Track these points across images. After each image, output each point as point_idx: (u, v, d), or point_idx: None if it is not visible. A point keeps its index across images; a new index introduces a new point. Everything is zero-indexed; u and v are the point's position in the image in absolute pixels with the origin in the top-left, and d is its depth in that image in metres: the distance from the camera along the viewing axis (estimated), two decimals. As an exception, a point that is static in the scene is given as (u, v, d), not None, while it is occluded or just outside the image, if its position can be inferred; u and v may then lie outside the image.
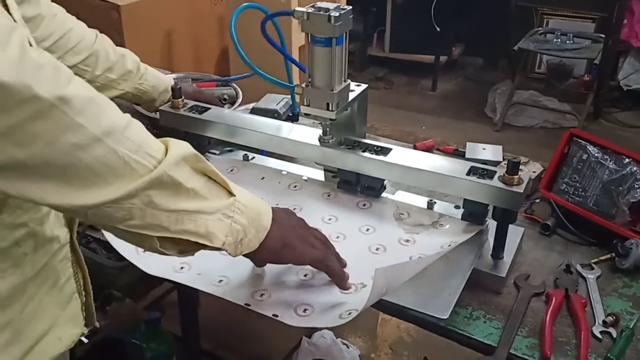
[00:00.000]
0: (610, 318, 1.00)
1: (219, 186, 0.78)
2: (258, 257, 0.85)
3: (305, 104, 1.10)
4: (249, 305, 0.93)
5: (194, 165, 0.75)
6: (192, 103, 1.32)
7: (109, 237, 1.06)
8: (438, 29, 4.47)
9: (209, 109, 1.31)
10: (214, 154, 1.36)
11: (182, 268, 1.01)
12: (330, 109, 1.08)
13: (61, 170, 0.65)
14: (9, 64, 0.59)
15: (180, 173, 0.72)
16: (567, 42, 3.77)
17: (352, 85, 1.14)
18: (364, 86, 1.17)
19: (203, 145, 1.34)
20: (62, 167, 0.64)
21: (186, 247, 0.77)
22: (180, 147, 0.74)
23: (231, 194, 0.79)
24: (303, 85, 1.09)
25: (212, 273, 0.99)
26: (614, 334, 0.97)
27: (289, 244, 0.87)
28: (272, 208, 0.86)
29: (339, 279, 0.94)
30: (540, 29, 4.07)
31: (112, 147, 0.66)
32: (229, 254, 0.80)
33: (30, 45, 0.64)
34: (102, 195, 0.66)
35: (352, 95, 1.13)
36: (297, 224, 0.93)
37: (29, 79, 0.60)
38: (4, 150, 0.61)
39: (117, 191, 0.67)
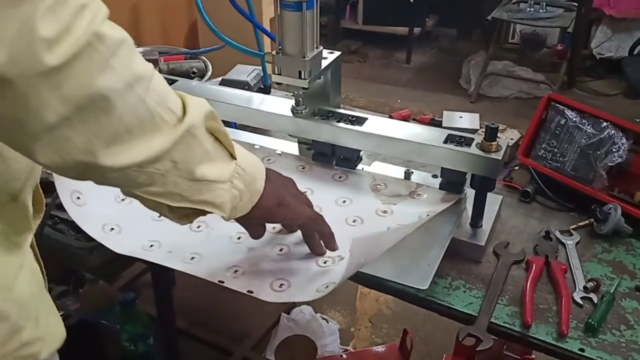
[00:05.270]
0: (590, 284, 0.99)
1: (222, 147, 0.74)
2: (253, 216, 0.81)
3: (276, 72, 1.06)
4: (223, 282, 0.90)
5: (208, 124, 0.71)
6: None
7: (76, 217, 1.02)
8: (411, 0, 4.42)
9: (176, 81, 1.26)
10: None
11: (151, 246, 0.97)
12: (302, 77, 1.04)
13: None
14: None
15: (201, 133, 0.68)
16: (540, 11, 3.77)
17: (325, 52, 1.10)
18: (337, 53, 1.13)
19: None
20: None
21: (192, 214, 0.73)
22: (199, 106, 0.69)
23: (233, 156, 0.75)
24: (273, 52, 1.05)
25: (184, 250, 0.96)
26: (595, 300, 0.97)
27: (283, 202, 0.84)
28: (266, 168, 0.82)
29: (329, 239, 0.93)
30: (514, -2, 4.05)
31: (141, 96, 0.61)
32: (224, 218, 0.76)
33: None
34: (129, 156, 0.62)
35: (325, 63, 1.09)
36: (290, 182, 0.90)
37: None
38: None
39: (144, 153, 0.62)
